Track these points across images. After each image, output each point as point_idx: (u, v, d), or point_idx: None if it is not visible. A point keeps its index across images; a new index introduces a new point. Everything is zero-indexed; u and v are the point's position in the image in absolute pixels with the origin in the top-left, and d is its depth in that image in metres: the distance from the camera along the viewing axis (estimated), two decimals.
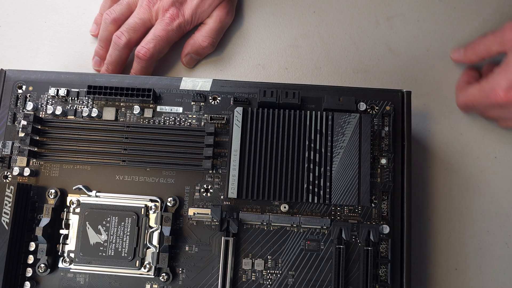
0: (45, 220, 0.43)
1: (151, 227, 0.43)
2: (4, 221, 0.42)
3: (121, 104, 0.46)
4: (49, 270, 0.43)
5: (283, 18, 0.56)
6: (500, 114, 0.49)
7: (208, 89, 0.47)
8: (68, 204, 0.44)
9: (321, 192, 0.43)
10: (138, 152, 0.44)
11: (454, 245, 0.50)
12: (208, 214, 0.44)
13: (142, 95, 0.45)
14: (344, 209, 0.44)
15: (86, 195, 0.44)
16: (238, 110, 0.44)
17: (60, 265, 0.43)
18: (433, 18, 0.56)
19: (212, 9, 0.53)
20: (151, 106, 0.46)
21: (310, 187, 0.43)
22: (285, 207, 0.44)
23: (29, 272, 0.43)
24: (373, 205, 0.44)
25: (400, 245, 0.43)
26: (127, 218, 0.43)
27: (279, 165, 0.43)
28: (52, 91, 0.46)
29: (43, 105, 0.47)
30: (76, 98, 0.47)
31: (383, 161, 0.45)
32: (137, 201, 0.44)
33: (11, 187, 0.43)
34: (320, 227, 0.44)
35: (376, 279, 0.43)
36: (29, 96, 0.47)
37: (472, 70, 0.53)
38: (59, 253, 0.43)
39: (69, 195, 0.45)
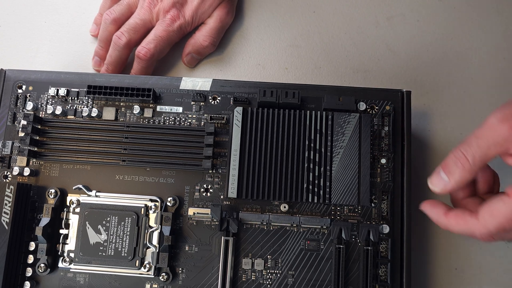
0: (45, 220, 0.43)
1: (151, 227, 0.43)
2: (4, 220, 0.42)
3: (121, 104, 0.47)
4: (49, 270, 0.43)
5: (283, 18, 0.56)
6: None
7: (208, 89, 0.47)
8: (68, 204, 0.44)
9: (321, 192, 0.43)
10: (138, 152, 0.45)
11: (454, 245, 0.49)
12: (208, 214, 0.44)
13: (142, 95, 0.45)
14: (344, 209, 0.44)
15: (86, 195, 0.44)
16: (238, 110, 0.44)
17: (60, 265, 0.43)
18: (433, 18, 0.56)
19: (212, 10, 0.53)
20: (151, 106, 0.46)
21: (310, 187, 0.43)
22: (285, 207, 0.44)
23: (29, 272, 0.43)
24: (373, 205, 0.44)
25: (400, 245, 0.43)
26: (127, 218, 0.43)
27: (279, 165, 0.43)
28: (52, 91, 0.46)
29: (43, 105, 0.47)
30: (76, 98, 0.47)
31: (383, 161, 0.45)
32: (137, 201, 0.44)
33: (11, 187, 0.43)
34: (320, 227, 0.44)
35: (376, 279, 0.43)
36: (29, 96, 0.47)
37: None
38: (59, 253, 0.43)
39: (69, 195, 0.45)
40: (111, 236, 0.43)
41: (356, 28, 0.56)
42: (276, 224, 0.44)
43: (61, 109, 0.46)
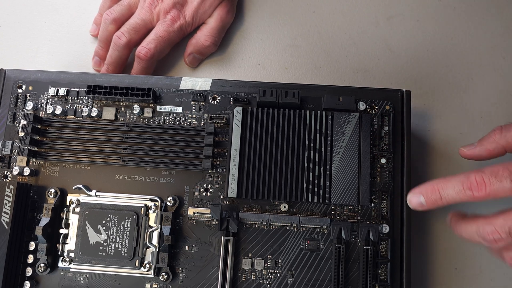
0: (45, 220, 0.43)
1: (151, 227, 0.43)
2: (4, 220, 0.42)
3: (121, 103, 0.47)
4: (49, 269, 0.43)
5: (283, 18, 0.56)
6: None
7: (208, 89, 0.47)
8: (68, 203, 0.44)
9: (321, 192, 0.43)
10: (138, 151, 0.45)
11: (454, 245, 0.49)
12: (208, 213, 0.44)
13: (142, 94, 0.45)
14: (343, 209, 0.44)
15: (86, 195, 0.44)
16: (238, 110, 0.44)
17: (60, 264, 0.43)
18: (433, 18, 0.56)
19: (212, 9, 0.53)
20: (151, 105, 0.46)
21: (310, 187, 0.43)
22: (284, 207, 0.44)
23: (29, 271, 0.43)
24: (372, 204, 0.44)
25: (400, 244, 0.43)
26: (127, 218, 0.43)
27: (278, 164, 0.43)
28: (52, 91, 0.46)
29: (43, 104, 0.47)
30: (76, 98, 0.47)
31: (383, 160, 0.45)
32: (137, 200, 0.44)
33: (11, 186, 0.43)
34: (319, 226, 0.44)
35: (376, 279, 0.43)
36: (29, 95, 0.47)
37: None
38: (59, 253, 0.43)
39: (69, 194, 0.45)
40: (111, 236, 0.43)
41: (356, 28, 0.56)
42: (276, 223, 0.44)
43: (61, 109, 0.46)
